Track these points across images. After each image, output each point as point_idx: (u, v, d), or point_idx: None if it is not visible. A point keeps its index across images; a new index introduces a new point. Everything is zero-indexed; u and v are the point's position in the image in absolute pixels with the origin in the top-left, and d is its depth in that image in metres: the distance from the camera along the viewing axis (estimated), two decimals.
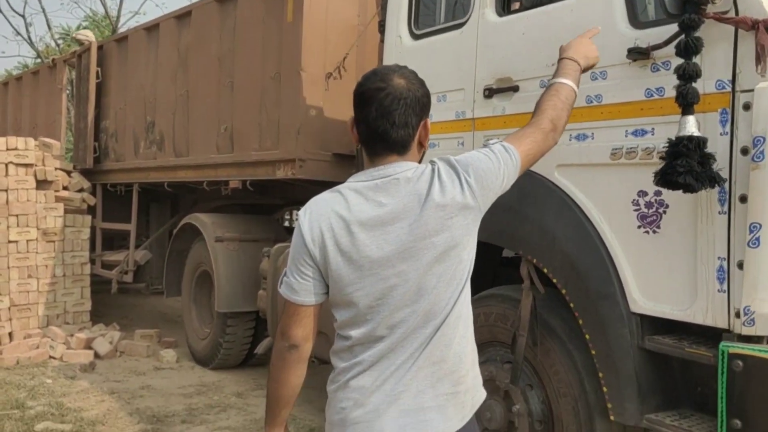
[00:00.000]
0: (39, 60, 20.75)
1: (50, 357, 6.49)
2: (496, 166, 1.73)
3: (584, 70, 2.15)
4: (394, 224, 1.63)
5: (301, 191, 5.72)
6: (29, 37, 23.59)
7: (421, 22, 3.68)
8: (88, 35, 9.11)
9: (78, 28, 21.08)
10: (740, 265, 2.35)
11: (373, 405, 1.65)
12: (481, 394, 1.82)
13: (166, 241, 7.64)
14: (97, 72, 8.01)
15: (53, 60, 9.19)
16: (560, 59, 2.13)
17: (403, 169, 1.68)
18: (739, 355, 2.29)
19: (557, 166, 2.91)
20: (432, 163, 1.72)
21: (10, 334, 6.77)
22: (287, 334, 1.72)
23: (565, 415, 2.88)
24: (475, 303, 3.20)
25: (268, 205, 7.07)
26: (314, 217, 1.69)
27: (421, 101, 1.71)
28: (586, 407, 2.81)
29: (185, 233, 6.65)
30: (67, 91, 9.33)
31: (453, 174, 1.68)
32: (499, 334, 3.17)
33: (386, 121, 1.66)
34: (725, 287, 2.39)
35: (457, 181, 1.67)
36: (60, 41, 21.61)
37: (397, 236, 1.63)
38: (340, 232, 1.65)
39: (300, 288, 1.70)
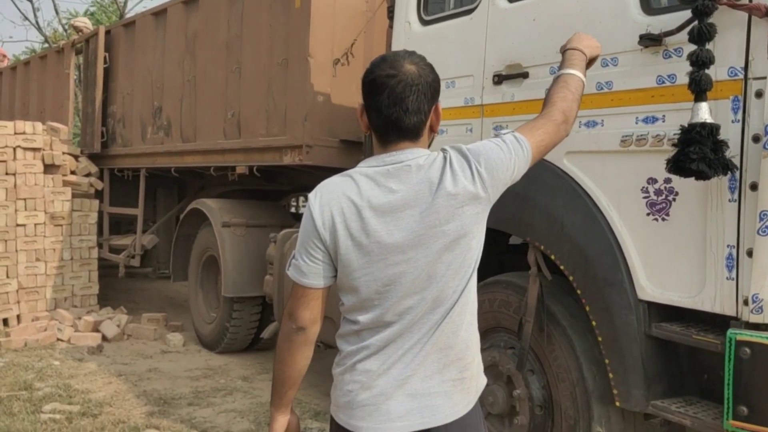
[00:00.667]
0: (46, 45, 20.74)
1: (58, 339, 6.54)
2: (507, 157, 1.72)
3: (589, 62, 2.13)
4: (404, 211, 1.63)
5: (308, 177, 5.73)
6: (37, 22, 23.58)
7: (431, 8, 3.67)
8: (86, 22, 9.13)
9: (85, 13, 21.06)
10: (749, 253, 2.34)
11: (380, 388, 1.66)
12: (483, 380, 1.83)
13: (173, 226, 7.68)
14: (105, 57, 8.00)
15: (61, 45, 9.19)
16: (564, 50, 2.12)
17: (414, 156, 1.68)
18: (746, 343, 2.30)
19: (566, 153, 2.91)
20: (444, 151, 1.72)
21: (18, 317, 6.83)
22: (294, 316, 1.73)
23: (564, 400, 2.91)
24: (480, 289, 3.18)
25: (275, 191, 7.09)
26: (325, 201, 1.68)
27: (432, 86, 1.71)
28: (584, 393, 2.83)
29: (192, 218, 6.68)
30: (75, 76, 9.33)
31: (464, 163, 1.67)
32: (503, 320, 3.18)
33: (399, 108, 1.66)
34: (734, 275, 2.39)
35: (468, 170, 1.66)
36: (67, 26, 21.58)
37: (407, 223, 1.63)
38: (351, 217, 1.65)
39: (309, 271, 1.70)
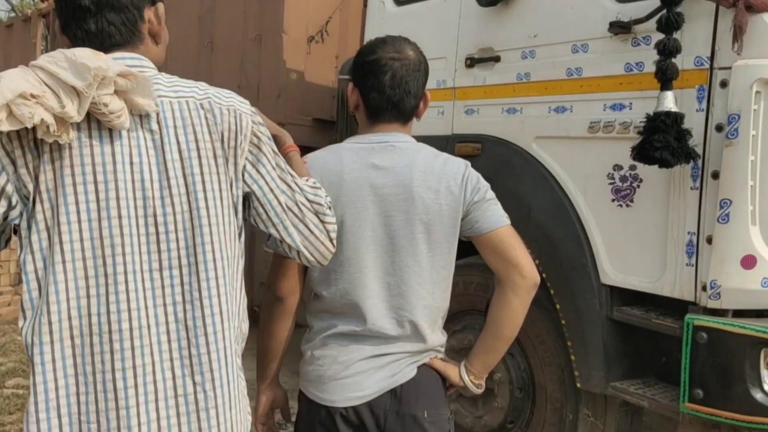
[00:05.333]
0: (13, 14, 20.18)
1: None
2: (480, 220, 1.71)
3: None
4: (382, 189, 1.66)
5: None
6: None
7: None
8: None
9: None
10: (709, 240, 2.40)
11: (350, 361, 1.68)
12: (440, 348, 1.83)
13: None
14: None
15: (28, 13, 8.95)
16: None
17: (401, 140, 1.73)
18: (703, 328, 2.36)
19: (535, 138, 2.93)
20: (457, 159, 1.75)
21: None
22: (273, 286, 1.75)
23: (550, 383, 2.93)
24: (455, 271, 3.23)
25: None
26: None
27: (427, 73, 1.78)
28: (571, 376, 2.85)
29: None
30: (42, 46, 9.10)
31: (461, 176, 1.69)
32: (478, 303, 3.19)
33: (402, 90, 1.71)
34: (693, 261, 2.45)
35: (460, 181, 1.69)
36: None
37: (382, 201, 1.66)
38: (330, 187, 1.67)
39: None
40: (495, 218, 1.72)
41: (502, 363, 3.04)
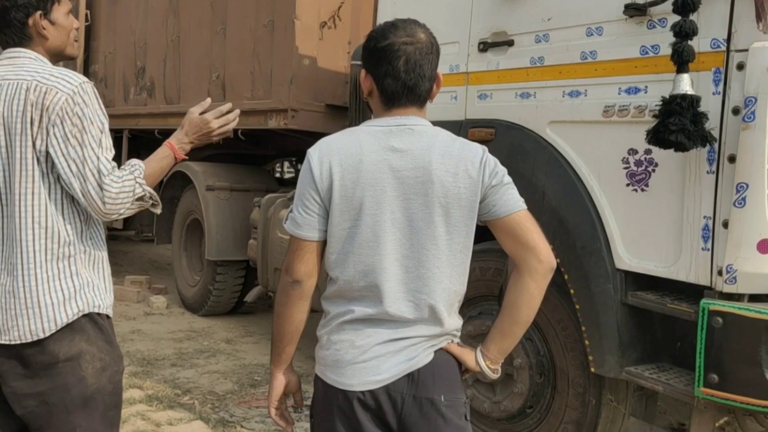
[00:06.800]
0: None
1: None
2: (499, 208, 1.70)
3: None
4: (401, 171, 1.66)
5: (293, 142, 5.70)
6: None
7: None
8: None
9: None
10: (725, 224, 2.38)
11: (368, 345, 1.69)
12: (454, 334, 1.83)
13: (157, 189, 7.61)
14: (87, 14, 7.85)
15: None
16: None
17: (418, 123, 1.72)
18: (719, 312, 2.35)
19: (549, 123, 2.92)
20: (474, 144, 1.74)
21: None
22: (290, 269, 1.74)
23: (572, 368, 2.93)
24: (472, 257, 3.23)
25: (260, 156, 7.05)
26: (324, 153, 1.70)
27: (439, 54, 1.76)
28: None
29: (176, 181, 6.63)
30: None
31: (479, 160, 1.68)
32: (495, 288, 3.19)
33: (417, 74, 1.69)
34: (709, 245, 2.43)
35: (478, 165, 1.68)
36: None
37: (401, 183, 1.66)
38: (349, 169, 1.67)
39: (303, 222, 1.72)
40: (512, 202, 1.71)
41: (521, 348, 3.05)
